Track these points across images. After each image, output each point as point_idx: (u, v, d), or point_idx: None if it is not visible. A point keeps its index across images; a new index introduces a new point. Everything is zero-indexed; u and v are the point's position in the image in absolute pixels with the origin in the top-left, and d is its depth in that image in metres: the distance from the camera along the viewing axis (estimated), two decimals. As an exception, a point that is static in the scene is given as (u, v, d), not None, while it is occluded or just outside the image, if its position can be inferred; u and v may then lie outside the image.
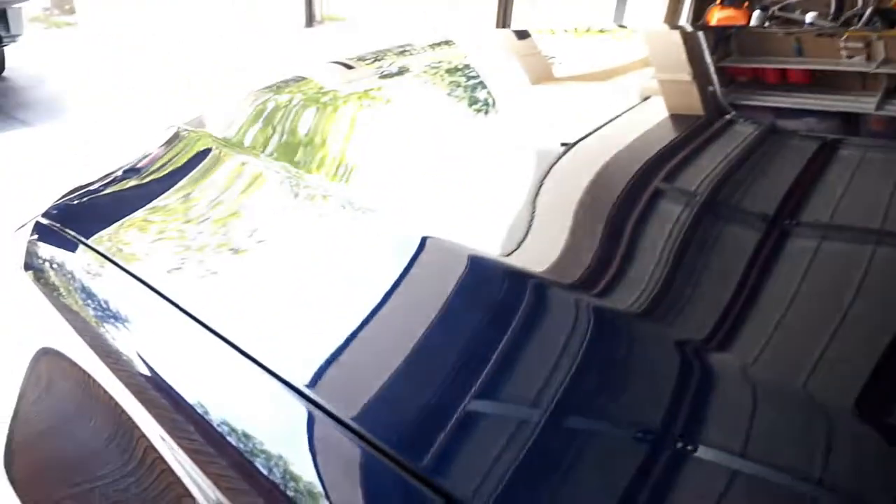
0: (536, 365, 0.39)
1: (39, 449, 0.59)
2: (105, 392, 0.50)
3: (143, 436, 0.46)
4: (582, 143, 0.70)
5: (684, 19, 3.59)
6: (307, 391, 0.40)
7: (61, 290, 0.63)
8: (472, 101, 0.93)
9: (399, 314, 0.46)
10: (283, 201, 0.62)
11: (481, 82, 1.04)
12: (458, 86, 1.03)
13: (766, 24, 3.17)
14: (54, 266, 0.66)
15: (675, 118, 0.81)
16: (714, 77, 1.02)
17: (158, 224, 0.65)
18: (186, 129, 0.86)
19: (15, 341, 0.64)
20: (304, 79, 1.12)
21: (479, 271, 0.48)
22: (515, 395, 0.38)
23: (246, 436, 0.41)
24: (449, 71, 1.12)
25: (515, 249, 0.50)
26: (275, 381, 0.41)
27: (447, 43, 1.33)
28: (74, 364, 0.55)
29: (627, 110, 0.82)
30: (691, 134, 0.75)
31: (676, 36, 1.47)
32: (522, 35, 1.47)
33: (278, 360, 0.43)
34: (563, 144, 0.70)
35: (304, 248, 0.55)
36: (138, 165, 0.82)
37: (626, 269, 0.47)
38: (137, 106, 4.32)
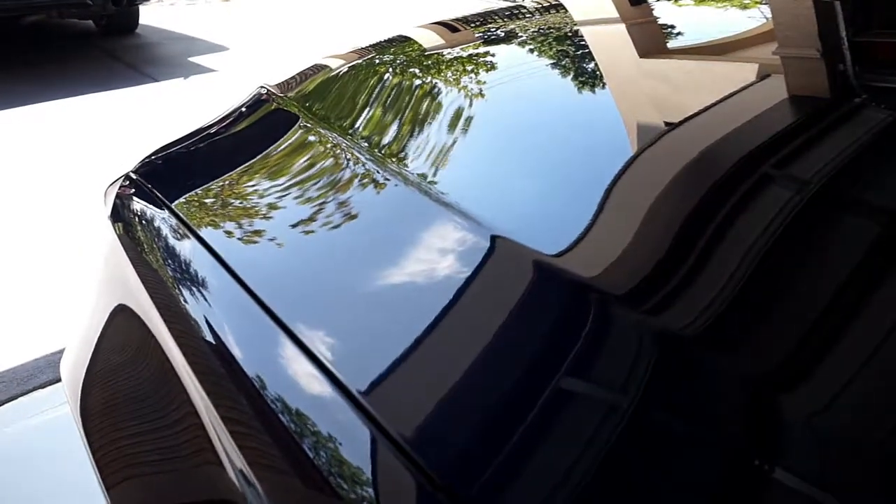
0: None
1: (104, 395, 0.63)
2: (162, 352, 0.52)
3: (189, 401, 0.47)
4: (681, 130, 0.64)
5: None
6: (356, 392, 0.39)
7: (142, 245, 0.65)
8: (576, 76, 0.87)
9: (457, 318, 0.43)
10: (361, 191, 0.59)
11: (589, 54, 0.98)
12: (565, 57, 0.97)
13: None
14: (137, 222, 0.69)
15: (794, 101, 0.73)
16: (846, 54, 0.88)
17: (234, 195, 0.66)
18: (271, 92, 0.86)
19: (98, 292, 0.67)
20: (405, 40, 1.11)
21: (545, 280, 0.44)
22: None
23: (286, 418, 0.40)
24: (557, 39, 1.06)
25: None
26: (323, 375, 0.40)
27: (557, 6, 1.27)
28: (143, 323, 0.58)
29: (738, 91, 0.74)
30: (807, 121, 0.67)
31: (806, 2, 1.33)
32: (636, 1, 1.39)
33: (332, 354, 0.42)
34: (665, 129, 0.65)
35: (372, 241, 0.53)
36: (223, 126, 0.83)
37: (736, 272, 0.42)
38: (257, 63, 4.50)
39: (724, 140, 0.60)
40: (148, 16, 5.80)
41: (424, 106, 0.77)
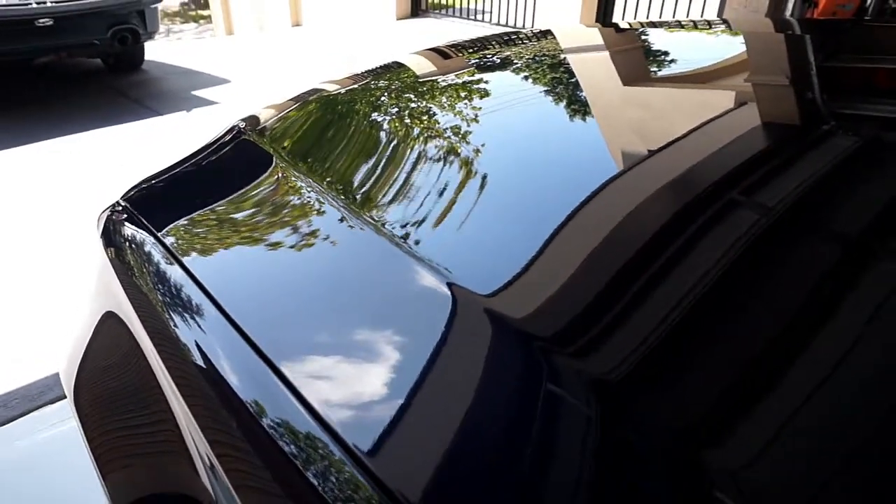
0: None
1: (96, 389, 0.74)
2: (144, 358, 0.63)
3: (167, 402, 0.57)
4: (658, 158, 0.67)
5: (790, 9, 3.36)
6: (325, 413, 0.42)
7: (127, 262, 0.77)
8: (562, 103, 0.89)
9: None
10: (330, 235, 0.64)
11: (574, 82, 1.01)
12: (551, 84, 0.98)
13: (887, 10, 2.91)
14: (124, 244, 0.81)
15: (767, 128, 0.74)
16: (815, 81, 0.92)
17: (206, 219, 0.78)
18: (244, 129, 0.99)
19: (91, 300, 0.80)
20: (398, 66, 1.18)
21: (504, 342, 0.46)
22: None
23: (249, 413, 0.46)
24: (546, 66, 1.08)
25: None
26: (294, 398, 0.44)
27: (546, 34, 1.32)
28: (128, 329, 0.69)
29: (714, 119, 0.77)
30: (779, 147, 0.69)
31: (776, 32, 1.36)
32: (619, 30, 1.44)
33: (287, 358, 0.47)
34: (644, 156, 0.67)
35: (330, 274, 0.59)
36: (201, 160, 0.96)
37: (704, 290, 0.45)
38: (257, 95, 4.68)
39: (691, 171, 0.63)
40: (155, 52, 6.03)
41: (392, 142, 0.83)
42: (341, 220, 0.65)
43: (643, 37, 1.29)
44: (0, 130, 3.98)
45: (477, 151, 0.77)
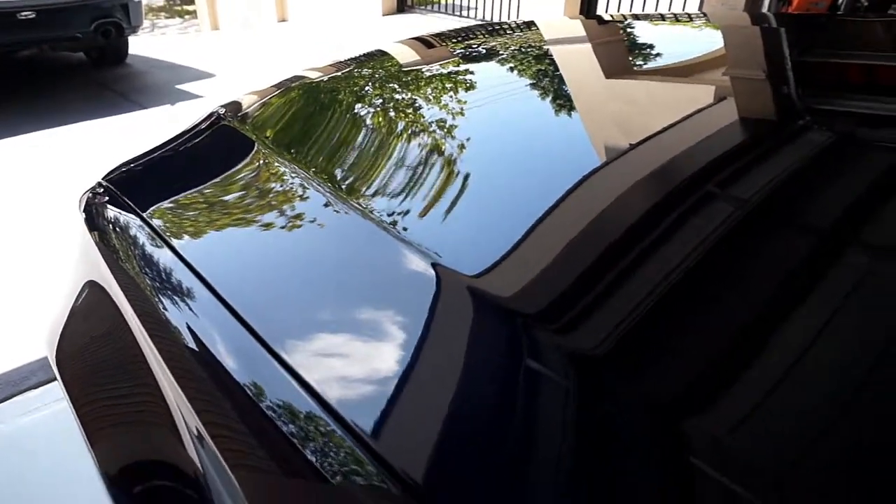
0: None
1: (80, 352, 0.77)
2: (125, 322, 0.66)
3: (147, 364, 0.59)
4: (634, 146, 0.68)
5: (766, 5, 3.42)
6: (308, 378, 0.44)
7: (106, 235, 0.80)
8: (540, 95, 0.91)
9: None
10: (290, 200, 0.68)
11: (552, 69, 1.02)
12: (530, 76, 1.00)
13: (859, 2, 2.97)
14: (106, 221, 0.84)
15: (744, 122, 0.75)
16: (790, 75, 0.93)
17: (190, 202, 0.81)
18: (224, 114, 1.02)
19: (73, 270, 0.83)
20: (379, 55, 1.20)
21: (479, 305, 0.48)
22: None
23: (219, 370, 0.49)
24: (526, 55, 1.10)
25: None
26: (276, 362, 0.46)
27: (528, 26, 1.34)
28: (109, 296, 0.73)
29: (691, 115, 0.78)
30: (755, 141, 0.69)
31: (753, 26, 1.37)
32: (602, 21, 1.46)
33: (258, 317, 0.49)
34: (620, 144, 0.69)
35: (307, 253, 0.61)
36: (180, 145, 0.99)
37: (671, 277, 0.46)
38: (242, 89, 4.69)
39: (666, 157, 0.65)
40: (139, 46, 6.01)
41: (371, 126, 0.86)
42: (318, 200, 0.67)
43: (620, 29, 1.32)
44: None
45: (454, 137, 0.80)
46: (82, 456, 0.69)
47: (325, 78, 1.14)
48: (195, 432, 0.49)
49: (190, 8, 10.90)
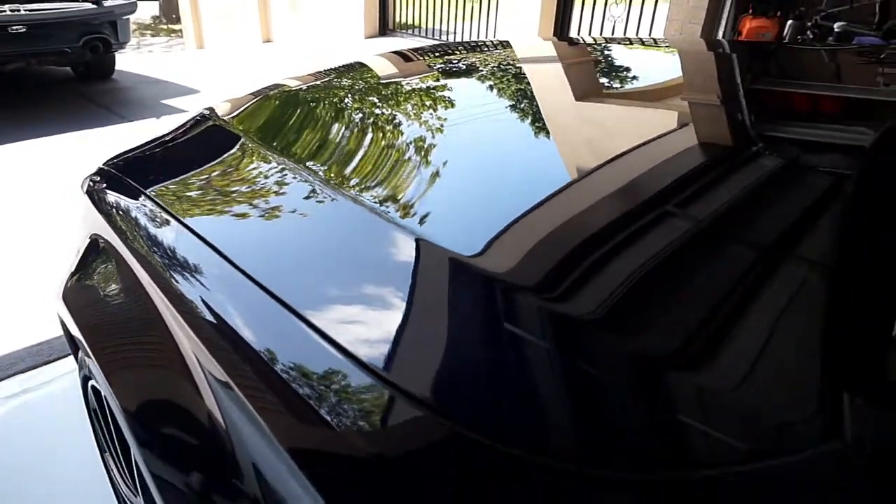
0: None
1: (86, 290, 0.90)
2: (128, 269, 0.79)
3: (154, 306, 0.70)
4: (592, 175, 0.74)
5: (723, 29, 3.66)
6: (309, 316, 0.53)
7: (106, 206, 0.94)
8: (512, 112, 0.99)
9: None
10: (270, 185, 0.80)
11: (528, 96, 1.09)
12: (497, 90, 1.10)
13: (801, 37, 3.18)
14: (104, 194, 0.98)
15: (700, 148, 0.79)
16: (743, 102, 0.97)
17: (176, 178, 0.95)
18: (211, 114, 1.17)
19: (79, 231, 0.97)
20: (359, 66, 1.34)
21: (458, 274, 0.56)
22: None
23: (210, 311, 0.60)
24: (497, 75, 1.20)
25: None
26: (280, 306, 0.55)
27: (504, 45, 1.46)
28: (111, 248, 0.86)
29: (648, 141, 0.82)
30: (707, 168, 0.73)
31: (706, 52, 1.46)
32: (572, 43, 1.58)
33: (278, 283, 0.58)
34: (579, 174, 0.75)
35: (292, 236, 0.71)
36: (171, 139, 1.14)
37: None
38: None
39: (622, 187, 0.69)
40: (125, 62, 6.14)
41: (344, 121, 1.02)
42: (297, 183, 0.81)
43: (590, 50, 1.46)
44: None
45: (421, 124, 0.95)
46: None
47: (303, 85, 1.30)
48: (193, 358, 0.57)
49: (176, 27, 11.05)
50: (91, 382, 0.99)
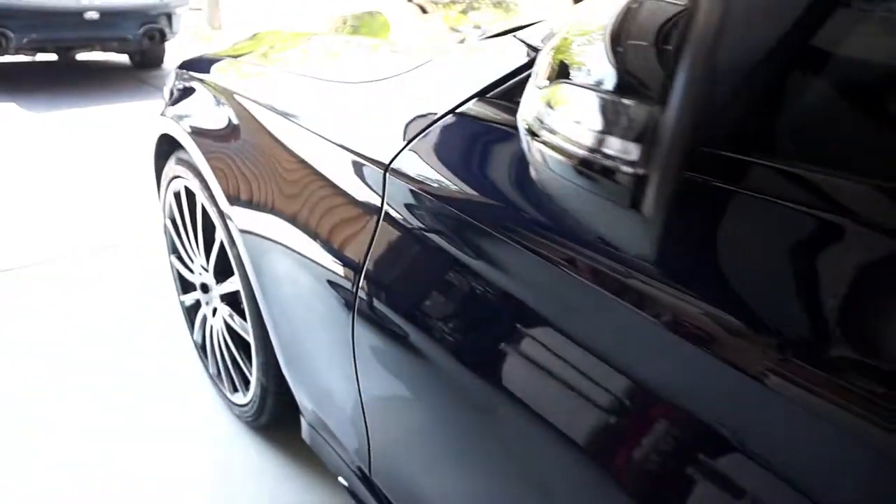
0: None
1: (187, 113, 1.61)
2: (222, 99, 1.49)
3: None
4: None
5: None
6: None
7: (177, 97, 1.62)
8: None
9: None
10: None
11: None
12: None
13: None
14: (178, 83, 1.67)
15: None
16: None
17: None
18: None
19: (152, 127, 1.66)
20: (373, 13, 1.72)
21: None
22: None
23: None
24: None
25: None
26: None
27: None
28: (180, 146, 1.52)
29: None
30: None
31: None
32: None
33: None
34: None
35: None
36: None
37: None
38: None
39: None
40: (171, 56, 7.02)
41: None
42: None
43: None
44: (39, 101, 4.91)
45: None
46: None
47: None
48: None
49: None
50: (185, 184, 1.40)
